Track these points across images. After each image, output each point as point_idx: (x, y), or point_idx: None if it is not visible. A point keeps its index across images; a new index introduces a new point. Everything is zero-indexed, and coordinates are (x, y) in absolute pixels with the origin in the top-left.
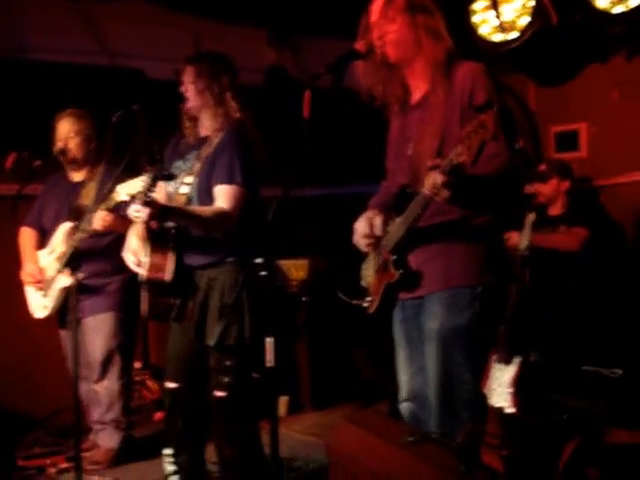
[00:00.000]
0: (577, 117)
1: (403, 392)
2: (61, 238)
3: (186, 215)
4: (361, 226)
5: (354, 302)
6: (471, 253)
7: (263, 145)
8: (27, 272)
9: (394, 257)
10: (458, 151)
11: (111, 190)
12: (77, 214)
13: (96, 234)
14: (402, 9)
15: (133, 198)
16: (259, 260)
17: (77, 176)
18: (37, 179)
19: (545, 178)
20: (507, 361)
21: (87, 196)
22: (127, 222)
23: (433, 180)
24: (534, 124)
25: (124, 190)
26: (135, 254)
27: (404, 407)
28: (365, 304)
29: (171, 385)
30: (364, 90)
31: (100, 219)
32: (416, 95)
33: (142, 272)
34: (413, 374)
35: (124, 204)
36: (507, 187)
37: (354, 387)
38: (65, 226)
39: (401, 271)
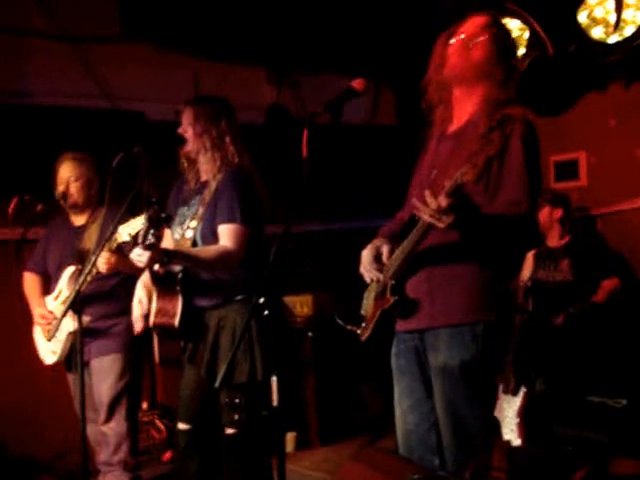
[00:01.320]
0: (576, 146)
1: (397, 429)
2: (66, 282)
3: (189, 257)
4: (367, 254)
5: (349, 328)
6: (473, 285)
7: (263, 185)
8: (39, 315)
9: (392, 282)
10: (464, 170)
11: (113, 232)
12: (80, 258)
13: (101, 276)
14: (492, 35)
15: (135, 238)
16: (262, 299)
17: (78, 220)
18: (39, 223)
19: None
20: (513, 391)
21: (89, 239)
22: (131, 262)
23: (437, 204)
24: None
25: (125, 230)
26: (140, 305)
27: (399, 442)
28: (358, 331)
29: (184, 427)
30: (426, 103)
31: (104, 261)
32: (455, 124)
33: (142, 324)
34: (405, 411)
35: (126, 244)
36: (519, 235)
37: (362, 422)
38: (70, 270)
39: (396, 297)
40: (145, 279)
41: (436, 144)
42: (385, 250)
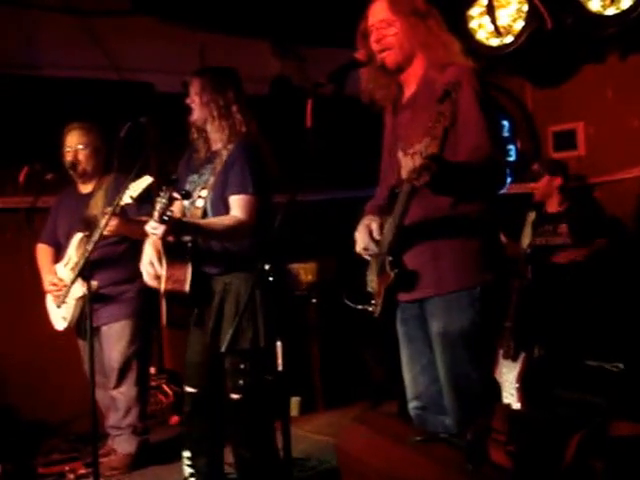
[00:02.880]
0: (574, 117)
1: (408, 392)
2: (75, 249)
3: (202, 228)
4: (360, 235)
5: (360, 307)
6: (465, 252)
7: (272, 154)
8: (48, 282)
9: (389, 258)
10: (425, 144)
11: (120, 197)
12: (87, 224)
13: (110, 242)
14: (400, 13)
15: (136, 200)
16: (268, 266)
17: (86, 188)
18: (50, 191)
19: (537, 177)
20: (513, 357)
21: (95, 206)
22: (134, 226)
23: (412, 164)
24: (532, 125)
25: (127, 193)
26: (152, 265)
27: (411, 407)
28: (370, 308)
29: (190, 390)
30: (365, 95)
31: (106, 224)
32: (407, 94)
33: (159, 285)
34: (416, 374)
35: (129, 206)
36: (491, 177)
37: (364, 387)
38: (78, 236)
39: (396, 271)
40: (152, 240)
41: (393, 117)
42: (375, 226)
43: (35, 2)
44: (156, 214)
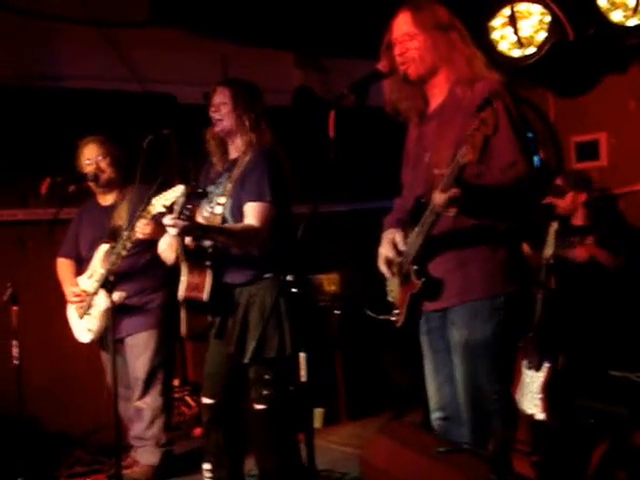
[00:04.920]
0: (596, 127)
1: (432, 403)
2: (100, 260)
3: (218, 232)
4: (385, 249)
5: (382, 318)
6: (490, 262)
7: (290, 165)
8: (71, 293)
9: (415, 267)
10: (463, 152)
11: (147, 204)
12: (112, 235)
13: (134, 252)
14: (423, 27)
15: (169, 209)
16: (291, 277)
17: (106, 200)
18: (71, 203)
19: (561, 193)
20: (537, 367)
21: (120, 217)
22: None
23: (438, 200)
24: (554, 135)
25: (159, 202)
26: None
27: (434, 418)
28: (393, 318)
29: (207, 401)
30: (389, 106)
31: (141, 228)
32: (433, 105)
33: (180, 287)
34: (440, 385)
35: (161, 215)
36: (526, 196)
37: (388, 398)
38: (103, 248)
39: (423, 279)
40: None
41: (418, 128)
42: (399, 238)
43: (57, 14)
44: (176, 210)
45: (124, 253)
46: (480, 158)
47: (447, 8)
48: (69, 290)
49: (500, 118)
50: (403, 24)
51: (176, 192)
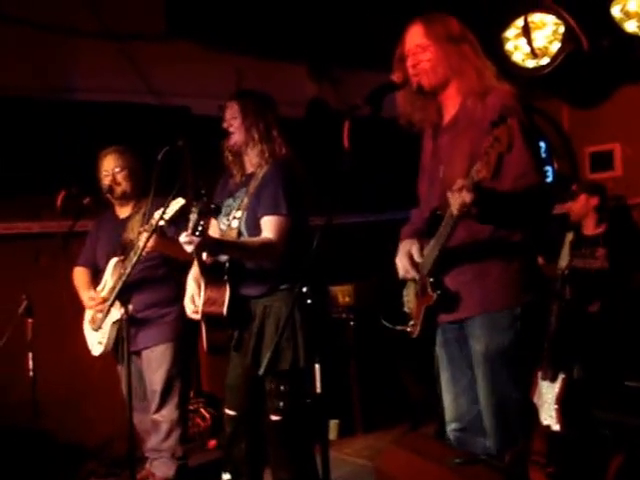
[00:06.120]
0: (611, 137)
1: (448, 414)
2: (111, 273)
3: (234, 247)
4: (401, 261)
5: (398, 328)
6: (507, 273)
7: (306, 177)
8: (87, 297)
9: (431, 279)
10: (477, 168)
11: (149, 217)
12: (124, 248)
13: (150, 265)
14: (435, 39)
15: (169, 222)
16: (306, 288)
17: (123, 212)
18: (87, 215)
19: (574, 196)
20: (552, 378)
21: (132, 230)
22: (172, 243)
23: (461, 199)
24: (569, 146)
25: (158, 215)
26: (193, 301)
27: (450, 429)
28: (408, 329)
29: (230, 413)
30: (403, 118)
31: (143, 242)
32: (446, 117)
33: (198, 317)
34: (456, 396)
35: (162, 227)
36: (537, 206)
37: (403, 409)
38: (114, 261)
39: (438, 292)
40: (195, 273)
41: (432, 139)
42: (415, 250)
43: (74, 28)
44: (190, 227)
45: (134, 267)
46: (495, 174)
47: (459, 19)
48: (85, 295)
49: (514, 135)
50: (415, 36)
51: (176, 205)
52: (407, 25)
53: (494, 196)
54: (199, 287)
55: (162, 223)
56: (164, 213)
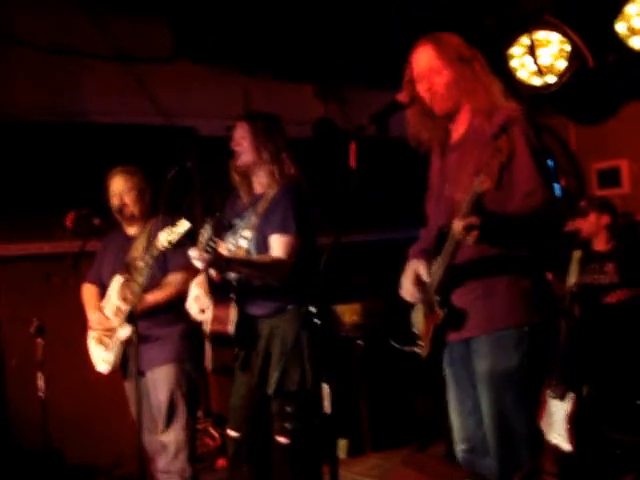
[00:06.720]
0: (618, 154)
1: (456, 434)
2: (115, 291)
3: (243, 264)
4: (407, 280)
5: (407, 349)
6: (514, 291)
7: (312, 197)
8: (93, 320)
9: (437, 298)
10: (480, 179)
11: (152, 240)
12: (128, 267)
13: (154, 284)
14: (448, 60)
15: (174, 246)
16: (313, 308)
17: (132, 230)
18: (97, 236)
19: (584, 214)
20: (561, 396)
21: (137, 249)
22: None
23: (457, 227)
24: (575, 163)
25: (164, 237)
26: (197, 301)
27: (458, 449)
28: (417, 349)
29: (233, 434)
30: (411, 137)
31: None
32: (454, 136)
33: (206, 321)
34: (465, 416)
35: (165, 251)
36: (546, 224)
37: (412, 428)
38: (118, 279)
39: (445, 310)
40: (198, 280)
41: (440, 158)
42: (422, 270)
43: (83, 50)
44: (200, 244)
45: (141, 287)
46: (499, 185)
47: (464, 37)
48: (92, 316)
49: (516, 144)
50: (427, 58)
51: (181, 228)
52: (414, 45)
53: (498, 220)
54: (204, 290)
55: (167, 246)
56: (168, 235)
